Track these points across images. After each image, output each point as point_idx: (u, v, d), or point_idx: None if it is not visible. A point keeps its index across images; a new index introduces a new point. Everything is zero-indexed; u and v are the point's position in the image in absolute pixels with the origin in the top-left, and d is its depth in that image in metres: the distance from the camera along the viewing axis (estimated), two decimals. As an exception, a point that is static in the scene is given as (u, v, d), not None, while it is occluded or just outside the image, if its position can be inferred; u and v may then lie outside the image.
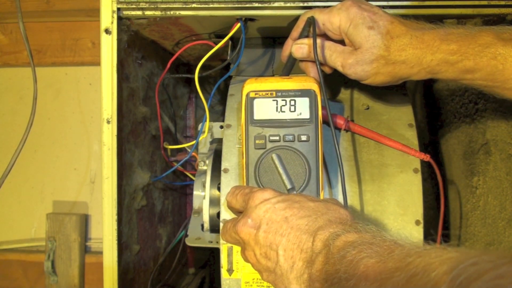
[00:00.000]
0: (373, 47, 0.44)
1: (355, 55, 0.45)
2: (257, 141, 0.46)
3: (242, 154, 0.47)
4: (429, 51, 0.43)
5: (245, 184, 0.47)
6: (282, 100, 0.46)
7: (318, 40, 0.48)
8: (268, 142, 0.46)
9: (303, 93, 0.46)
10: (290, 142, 0.46)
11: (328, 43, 0.48)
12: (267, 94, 0.46)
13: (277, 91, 0.46)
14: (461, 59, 0.42)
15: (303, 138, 0.46)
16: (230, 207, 0.48)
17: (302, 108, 0.46)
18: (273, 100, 0.46)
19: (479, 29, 0.42)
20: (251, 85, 0.47)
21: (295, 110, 0.46)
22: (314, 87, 0.47)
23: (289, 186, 0.45)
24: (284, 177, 0.45)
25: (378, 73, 0.45)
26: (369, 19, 0.44)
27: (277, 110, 0.46)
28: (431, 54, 0.43)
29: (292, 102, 0.46)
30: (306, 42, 0.48)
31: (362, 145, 0.53)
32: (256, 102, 0.46)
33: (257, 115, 0.47)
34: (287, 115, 0.46)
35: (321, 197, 0.46)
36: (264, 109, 0.47)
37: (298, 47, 0.49)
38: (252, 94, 0.46)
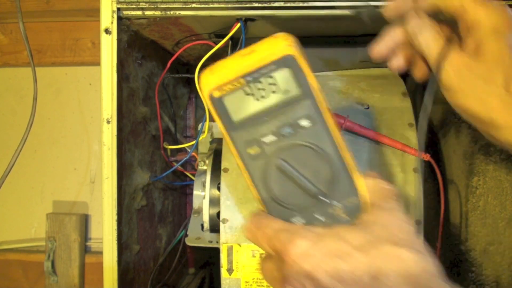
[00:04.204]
0: (498, 67, 0.34)
1: (466, 59, 0.35)
2: (250, 151, 0.34)
3: (240, 168, 0.35)
4: None
5: (260, 206, 0.34)
6: (256, 84, 0.34)
7: (426, 20, 0.37)
8: (264, 146, 0.34)
9: (278, 64, 0.34)
10: (291, 135, 0.34)
11: (435, 25, 0.37)
12: (234, 85, 0.33)
13: (244, 76, 0.33)
14: None
15: (304, 123, 0.34)
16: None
17: (286, 84, 0.34)
18: (245, 90, 0.34)
19: None
20: (209, 81, 0.34)
21: (277, 91, 0.34)
22: (289, 50, 0.35)
23: (314, 192, 0.33)
24: (303, 184, 0.34)
25: (485, 102, 0.35)
26: None
27: (256, 99, 0.34)
28: None
29: (271, 81, 0.34)
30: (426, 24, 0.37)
31: (362, 144, 0.53)
32: (226, 100, 0.34)
33: (235, 116, 0.34)
34: (271, 100, 0.34)
35: (362, 187, 0.33)
36: (239, 105, 0.34)
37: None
38: (216, 93, 0.33)
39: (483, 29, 0.35)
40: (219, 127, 0.35)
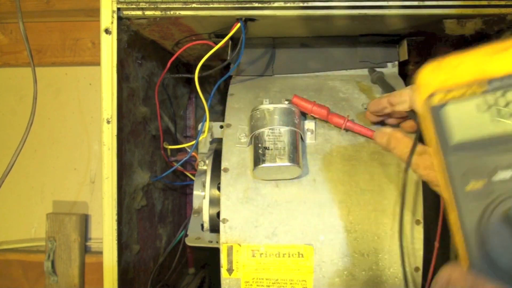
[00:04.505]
0: None
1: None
2: (469, 186, 0.25)
3: (447, 203, 0.26)
4: None
5: (462, 260, 0.26)
6: (504, 95, 0.23)
7: (396, 133, 0.45)
8: (493, 184, 0.24)
9: None
10: None
11: (399, 136, 0.45)
12: (468, 91, 0.24)
13: (489, 80, 0.23)
14: None
15: None
16: None
17: None
18: (482, 101, 0.24)
19: None
20: (432, 78, 0.25)
21: None
22: None
23: None
24: None
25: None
26: None
27: (497, 116, 0.24)
28: None
29: None
30: (387, 133, 0.46)
31: (362, 144, 0.53)
32: (449, 110, 0.24)
33: (458, 134, 0.25)
34: None
35: None
36: (468, 119, 0.24)
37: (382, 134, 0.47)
38: (437, 97, 0.24)
39: None
40: (428, 142, 0.25)
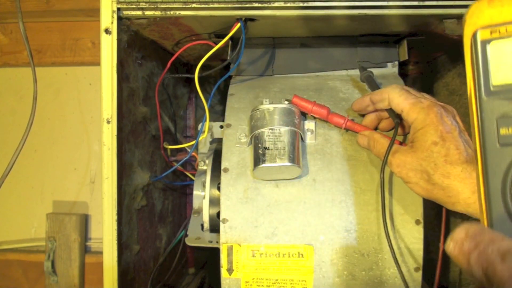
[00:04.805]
0: (424, 160, 0.43)
1: (404, 157, 0.45)
2: (502, 131, 0.23)
3: (475, 154, 0.25)
4: (471, 189, 0.41)
5: (484, 218, 0.25)
6: None
7: (375, 134, 0.49)
8: None
9: None
10: None
11: (377, 137, 0.49)
12: None
13: None
14: None
15: None
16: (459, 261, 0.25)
17: None
18: None
19: None
20: (482, 13, 0.23)
21: None
22: None
23: None
24: None
25: (418, 184, 0.45)
26: (439, 134, 0.43)
27: None
28: (470, 192, 0.41)
29: None
30: (368, 136, 0.50)
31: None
32: (493, 47, 0.23)
33: (497, 75, 0.23)
34: None
35: None
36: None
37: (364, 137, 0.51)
38: (484, 34, 0.22)
39: (414, 127, 0.45)
40: (468, 81, 0.23)
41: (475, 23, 0.22)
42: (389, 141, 0.47)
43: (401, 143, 0.50)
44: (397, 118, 0.48)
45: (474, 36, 0.22)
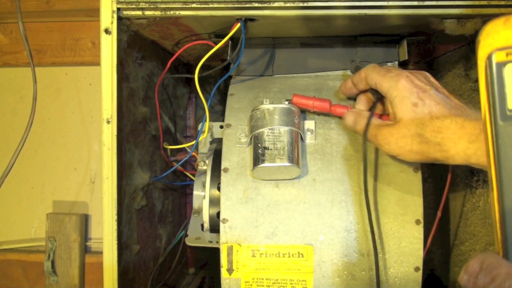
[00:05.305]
0: (411, 124, 0.44)
1: (391, 128, 0.45)
2: None
3: (489, 179, 0.24)
4: (467, 139, 0.41)
5: (499, 248, 0.25)
6: None
7: (363, 111, 0.50)
8: None
9: None
10: None
11: (365, 113, 0.49)
12: None
13: None
14: None
15: None
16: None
17: None
18: None
19: None
20: (498, 35, 0.22)
21: None
22: None
23: None
24: None
25: (412, 151, 0.44)
26: (416, 95, 0.44)
27: None
28: (468, 142, 0.41)
29: None
30: (355, 112, 0.50)
31: (362, 144, 0.53)
32: (509, 71, 0.22)
33: None
34: None
35: None
36: None
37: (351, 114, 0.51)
38: (501, 56, 0.21)
39: (390, 96, 0.46)
40: (482, 105, 0.22)
41: (490, 44, 0.21)
42: (375, 117, 0.48)
43: (381, 116, 0.50)
44: (378, 95, 0.49)
45: (489, 58, 0.21)
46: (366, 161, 0.49)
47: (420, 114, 0.43)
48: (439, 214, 0.55)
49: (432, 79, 0.47)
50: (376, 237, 0.50)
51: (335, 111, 0.53)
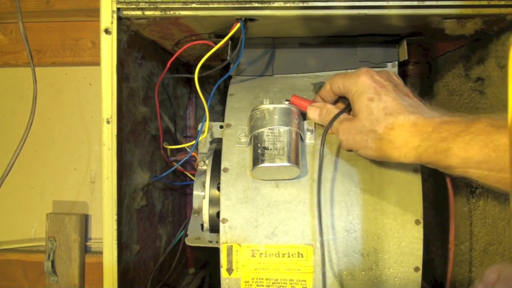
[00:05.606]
0: (366, 119, 0.44)
1: (350, 122, 0.46)
2: None
3: (511, 187, 0.22)
4: (419, 137, 0.41)
5: None
6: None
7: (328, 105, 0.50)
8: None
9: None
10: None
11: (330, 107, 0.50)
12: None
13: None
14: (450, 147, 0.39)
15: None
16: None
17: None
18: None
19: (475, 117, 0.40)
20: None
21: None
22: None
23: None
24: None
25: (367, 146, 0.45)
26: (373, 90, 0.44)
27: None
28: (419, 140, 0.41)
29: None
30: (328, 108, 0.50)
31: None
32: None
33: None
34: None
35: None
36: None
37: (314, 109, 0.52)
38: None
39: (350, 92, 0.47)
40: (510, 110, 0.19)
41: None
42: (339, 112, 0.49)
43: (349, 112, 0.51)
44: (346, 101, 0.49)
45: None
46: (323, 155, 0.50)
47: (375, 109, 0.43)
48: (452, 247, 0.53)
49: (394, 77, 0.47)
50: (376, 237, 0.50)
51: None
